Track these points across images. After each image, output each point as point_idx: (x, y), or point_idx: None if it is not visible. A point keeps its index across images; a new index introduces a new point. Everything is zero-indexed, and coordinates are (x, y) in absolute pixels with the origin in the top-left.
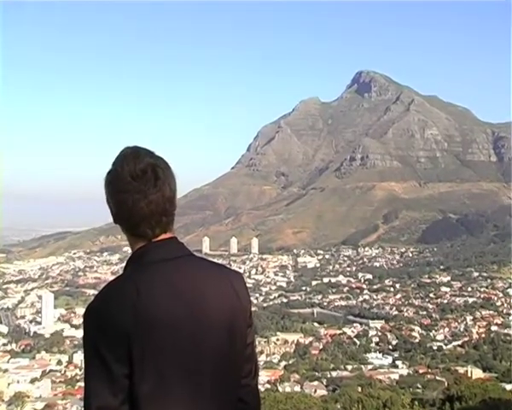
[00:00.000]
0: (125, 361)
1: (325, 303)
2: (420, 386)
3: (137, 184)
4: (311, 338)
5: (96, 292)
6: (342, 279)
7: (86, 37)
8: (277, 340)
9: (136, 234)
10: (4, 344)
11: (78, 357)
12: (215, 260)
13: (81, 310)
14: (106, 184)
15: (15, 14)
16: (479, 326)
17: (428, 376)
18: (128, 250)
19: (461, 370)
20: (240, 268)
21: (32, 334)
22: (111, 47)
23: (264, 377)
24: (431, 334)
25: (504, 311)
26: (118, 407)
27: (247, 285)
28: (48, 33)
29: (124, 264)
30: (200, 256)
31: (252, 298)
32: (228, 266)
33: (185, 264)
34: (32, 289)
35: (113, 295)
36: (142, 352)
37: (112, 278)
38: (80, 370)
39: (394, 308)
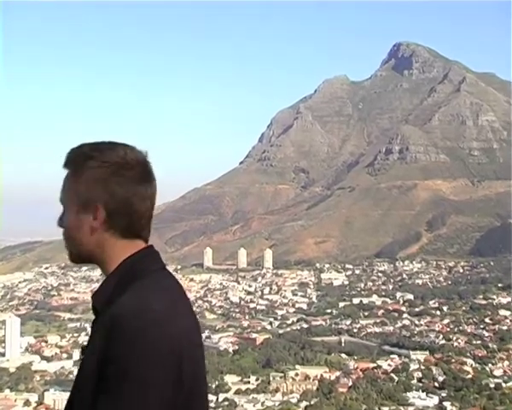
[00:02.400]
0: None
1: (355, 330)
2: None
3: (142, 173)
4: (337, 373)
5: (72, 316)
6: (376, 300)
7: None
8: (296, 375)
9: (131, 233)
10: None
11: (51, 396)
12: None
13: (54, 338)
14: (109, 166)
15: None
16: None
17: None
18: None
19: None
20: (250, 286)
21: None
22: (110, 39)
23: None
24: (487, 368)
25: None
26: None
27: (260, 307)
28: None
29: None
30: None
31: (265, 323)
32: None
33: (170, 278)
34: None
35: (166, 317)
36: (189, 374)
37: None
38: None
39: (441, 336)
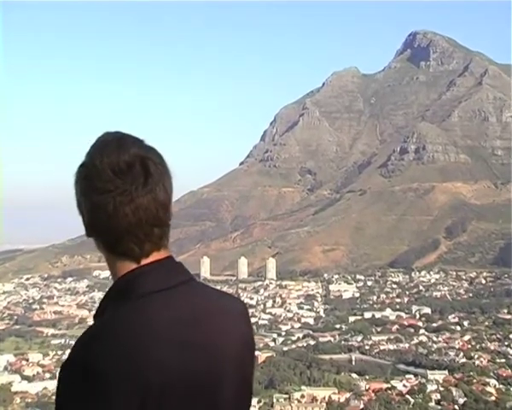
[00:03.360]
0: None
1: (367, 347)
2: None
3: (121, 183)
4: (347, 394)
5: (56, 331)
6: (390, 314)
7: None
8: (302, 397)
9: (119, 252)
10: None
11: None
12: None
13: (36, 356)
14: (78, 180)
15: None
16: None
17: None
18: (100, 274)
19: None
20: (251, 299)
21: None
22: (108, 34)
23: None
24: None
25: None
26: None
27: (262, 321)
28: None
29: (94, 293)
30: (203, 282)
31: (268, 339)
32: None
33: (190, 294)
34: None
35: (110, 354)
36: None
37: (79, 312)
38: None
39: (461, 354)
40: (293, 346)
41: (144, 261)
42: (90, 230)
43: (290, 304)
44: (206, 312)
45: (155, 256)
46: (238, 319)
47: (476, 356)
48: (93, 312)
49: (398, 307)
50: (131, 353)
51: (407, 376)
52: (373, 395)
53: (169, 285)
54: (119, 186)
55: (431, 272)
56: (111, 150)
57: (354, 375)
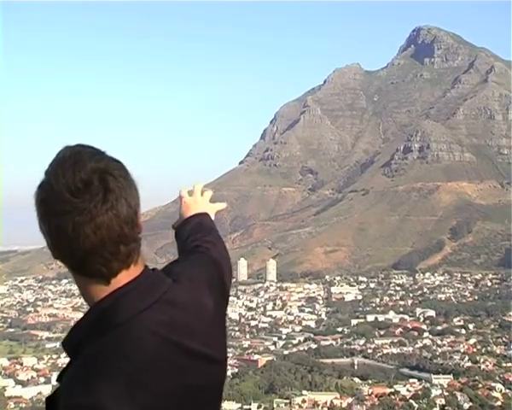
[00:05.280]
0: None
1: (370, 351)
2: None
3: (79, 202)
4: (350, 399)
5: (51, 335)
6: (394, 317)
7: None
8: (303, 401)
9: (86, 273)
10: None
11: None
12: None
13: (30, 360)
14: (36, 203)
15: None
16: None
17: None
18: None
19: None
20: (251, 302)
21: None
22: (107, 29)
23: None
24: None
25: None
26: None
27: (263, 324)
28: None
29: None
30: (179, 286)
31: (268, 343)
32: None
33: (171, 308)
34: None
35: (119, 394)
36: None
37: (75, 315)
38: None
39: (467, 358)
40: (294, 350)
41: (114, 281)
42: (54, 253)
43: (291, 307)
44: (186, 326)
45: (125, 275)
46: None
47: (482, 360)
48: None
49: (401, 309)
50: (135, 388)
51: (411, 380)
52: (376, 400)
53: (146, 305)
54: (78, 206)
55: (435, 274)
56: (67, 168)
57: (356, 379)
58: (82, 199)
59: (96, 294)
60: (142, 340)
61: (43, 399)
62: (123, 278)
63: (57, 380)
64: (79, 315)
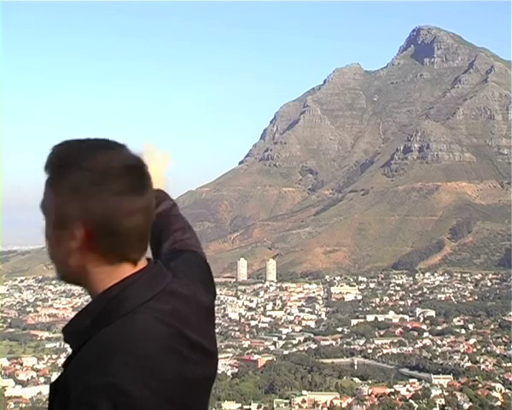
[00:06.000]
0: None
1: (369, 351)
2: None
3: (131, 181)
4: (349, 399)
5: (51, 335)
6: (393, 317)
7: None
8: (303, 401)
9: (121, 257)
10: None
11: None
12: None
13: (31, 360)
14: (88, 175)
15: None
16: None
17: None
18: None
19: None
20: (251, 302)
21: None
22: (110, 31)
23: None
24: None
25: None
26: None
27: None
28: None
29: (89, 296)
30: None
31: (268, 343)
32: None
33: (174, 299)
34: None
35: (145, 369)
36: None
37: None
38: None
39: (466, 358)
40: (294, 350)
41: (127, 269)
42: (97, 232)
43: (291, 307)
44: (187, 318)
45: (133, 265)
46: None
47: (481, 360)
48: None
49: (401, 309)
50: (146, 372)
51: (411, 380)
52: (376, 400)
53: (152, 295)
54: (131, 184)
55: (435, 274)
56: (113, 151)
57: (356, 379)
58: (132, 179)
59: (104, 281)
60: (152, 328)
61: (44, 399)
62: (131, 267)
63: (63, 366)
64: None
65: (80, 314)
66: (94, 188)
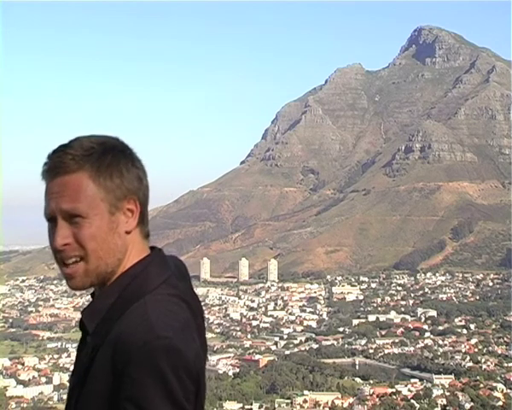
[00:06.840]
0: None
1: (371, 351)
2: None
3: (135, 157)
4: (351, 399)
5: (52, 335)
6: (395, 317)
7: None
8: (305, 402)
9: (147, 230)
10: None
11: None
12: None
13: (32, 360)
14: (128, 160)
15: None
16: None
17: None
18: None
19: None
20: (253, 302)
21: None
22: (110, 30)
23: None
24: None
25: None
26: None
27: (264, 324)
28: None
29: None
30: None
31: (269, 343)
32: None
33: (178, 286)
34: None
35: (180, 343)
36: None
37: (76, 315)
38: None
39: (468, 358)
40: (296, 350)
41: (158, 249)
42: (142, 205)
43: (292, 307)
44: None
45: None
46: None
47: (483, 360)
48: None
49: (402, 309)
50: (189, 337)
51: (412, 380)
52: (377, 400)
53: (169, 274)
54: (136, 159)
55: (437, 274)
56: (106, 137)
57: (358, 379)
58: (134, 154)
59: (133, 259)
60: (178, 303)
61: (45, 399)
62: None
63: (69, 388)
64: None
65: (105, 292)
66: (125, 166)
